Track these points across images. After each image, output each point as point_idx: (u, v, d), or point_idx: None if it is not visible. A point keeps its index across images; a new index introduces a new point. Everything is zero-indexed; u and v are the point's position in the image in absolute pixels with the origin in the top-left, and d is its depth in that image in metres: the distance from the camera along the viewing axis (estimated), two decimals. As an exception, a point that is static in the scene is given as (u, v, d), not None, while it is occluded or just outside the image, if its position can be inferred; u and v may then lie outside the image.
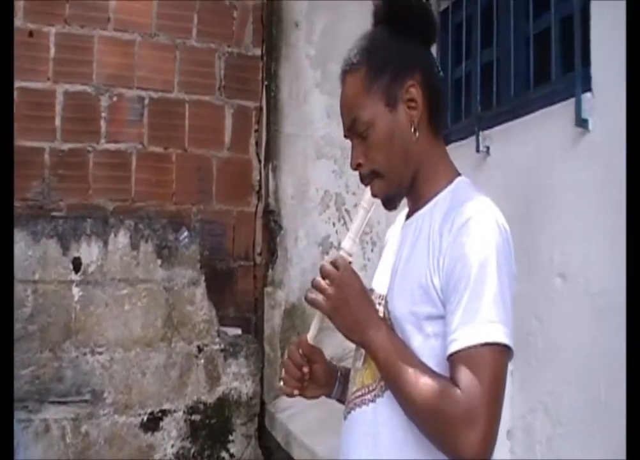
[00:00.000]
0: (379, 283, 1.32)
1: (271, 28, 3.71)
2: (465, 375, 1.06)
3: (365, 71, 1.27)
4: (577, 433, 2.07)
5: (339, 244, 3.63)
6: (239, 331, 3.53)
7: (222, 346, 3.39)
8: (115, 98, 3.48)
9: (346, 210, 3.74)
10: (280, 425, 3.13)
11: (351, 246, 1.25)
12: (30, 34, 3.34)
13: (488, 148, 2.70)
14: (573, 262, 2.17)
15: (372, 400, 1.23)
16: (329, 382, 1.42)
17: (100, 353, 3.17)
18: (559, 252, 2.23)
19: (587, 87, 2.18)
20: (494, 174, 2.59)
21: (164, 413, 3.27)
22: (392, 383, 1.15)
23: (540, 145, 2.40)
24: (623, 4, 1.98)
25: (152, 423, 3.24)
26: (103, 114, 3.46)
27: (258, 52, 3.78)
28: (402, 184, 1.28)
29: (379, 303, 1.26)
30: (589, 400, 2.03)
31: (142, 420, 3.23)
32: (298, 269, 3.60)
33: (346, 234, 1.29)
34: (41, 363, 3.07)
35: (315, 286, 1.20)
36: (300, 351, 1.33)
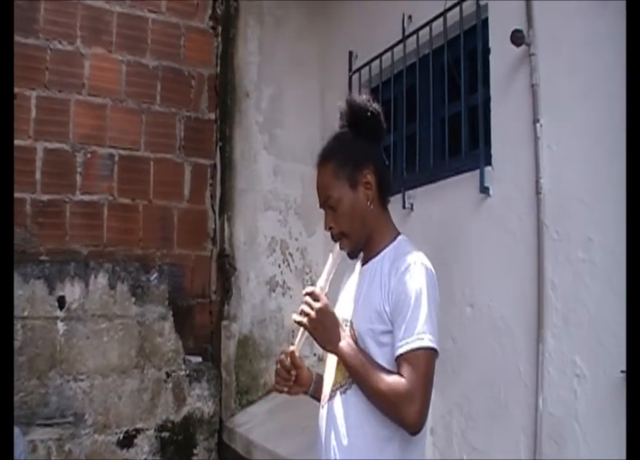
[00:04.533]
0: (342, 311, 1.85)
1: (225, 96, 4.26)
2: (407, 370, 1.61)
3: (334, 163, 1.80)
4: (484, 426, 2.69)
5: (283, 283, 4.21)
6: (200, 359, 4.00)
7: (187, 372, 3.86)
8: (89, 155, 3.90)
9: (289, 253, 4.30)
10: (240, 436, 3.61)
11: (325, 284, 1.79)
12: (14, 96, 3.69)
13: (412, 205, 3.32)
14: (478, 294, 2.81)
15: (344, 392, 1.75)
16: (307, 383, 1.93)
17: (82, 380, 3.57)
18: (468, 287, 2.86)
19: (489, 162, 2.85)
20: (417, 226, 3.20)
21: (137, 431, 3.70)
22: (357, 378, 1.68)
23: (452, 205, 3.04)
24: (520, 99, 2.65)
25: (127, 441, 3.66)
26: (78, 169, 3.87)
27: (212, 116, 4.30)
28: (361, 241, 1.83)
29: (345, 325, 1.79)
30: (492, 399, 2.65)
31: (119, 438, 3.64)
32: (250, 305, 4.11)
33: (320, 276, 1.82)
34: (29, 390, 3.44)
35: (301, 312, 1.73)
36: (288, 359, 1.85)
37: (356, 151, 1.81)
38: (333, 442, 1.75)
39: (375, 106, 1.81)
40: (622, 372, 2.11)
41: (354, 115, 1.81)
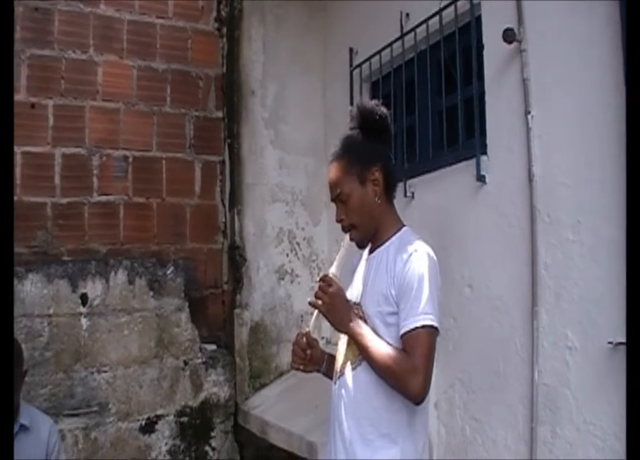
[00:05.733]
0: (351, 295, 2.03)
1: (231, 95, 4.40)
2: (411, 346, 1.78)
3: (346, 161, 1.98)
4: (484, 398, 2.86)
5: (291, 271, 4.37)
6: (214, 346, 4.17)
7: (203, 360, 4.06)
8: (104, 158, 4.03)
9: (297, 243, 4.46)
10: (255, 418, 3.79)
11: (337, 270, 1.97)
12: (32, 106, 3.86)
13: (413, 193, 3.46)
14: (477, 276, 2.96)
15: (354, 369, 1.93)
16: (320, 361, 2.11)
17: (105, 372, 3.77)
18: (467, 270, 3.02)
19: (484, 151, 2.99)
20: (418, 213, 3.35)
21: (158, 417, 3.90)
22: (367, 355, 1.85)
23: (451, 192, 3.19)
24: (512, 92, 2.80)
25: (149, 427, 3.86)
26: (94, 172, 4.00)
27: (220, 114, 4.43)
28: (369, 232, 2.00)
29: (356, 307, 1.96)
30: (491, 373, 2.82)
31: (141, 424, 3.84)
32: (260, 293, 4.28)
33: (332, 263, 2.00)
34: (56, 383, 3.63)
35: (316, 296, 1.92)
36: (304, 339, 2.03)
37: (365, 151, 1.98)
38: (345, 414, 1.91)
39: (383, 109, 1.98)
40: (609, 343, 2.28)
41: (363, 118, 1.99)
